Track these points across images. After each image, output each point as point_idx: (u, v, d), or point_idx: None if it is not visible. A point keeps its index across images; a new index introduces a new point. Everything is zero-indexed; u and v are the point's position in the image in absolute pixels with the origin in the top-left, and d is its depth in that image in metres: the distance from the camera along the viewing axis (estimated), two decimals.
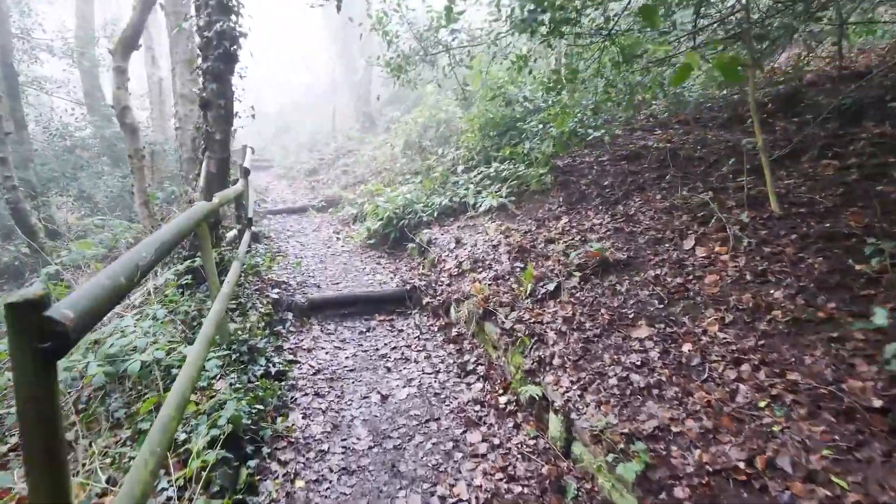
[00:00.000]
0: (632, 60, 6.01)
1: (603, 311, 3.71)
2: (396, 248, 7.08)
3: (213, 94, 4.62)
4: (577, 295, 4.05)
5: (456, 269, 5.51)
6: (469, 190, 7.02)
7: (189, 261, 4.57)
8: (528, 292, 4.31)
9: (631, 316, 3.53)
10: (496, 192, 6.75)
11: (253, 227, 7.56)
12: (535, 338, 3.69)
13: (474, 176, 7.58)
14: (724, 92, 7.30)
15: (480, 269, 5.24)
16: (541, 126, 7.22)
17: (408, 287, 5.41)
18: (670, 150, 6.01)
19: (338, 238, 8.20)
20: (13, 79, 10.35)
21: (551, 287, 4.19)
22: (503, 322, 4.07)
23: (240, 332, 3.94)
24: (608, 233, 4.83)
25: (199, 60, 4.58)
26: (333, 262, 6.86)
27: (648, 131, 7.24)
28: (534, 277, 4.44)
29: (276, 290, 5.10)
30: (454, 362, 4.11)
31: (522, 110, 7.91)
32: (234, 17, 4.63)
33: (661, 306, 3.56)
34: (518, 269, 4.88)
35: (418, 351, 4.39)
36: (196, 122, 4.80)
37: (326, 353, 4.36)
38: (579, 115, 6.90)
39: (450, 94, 11.91)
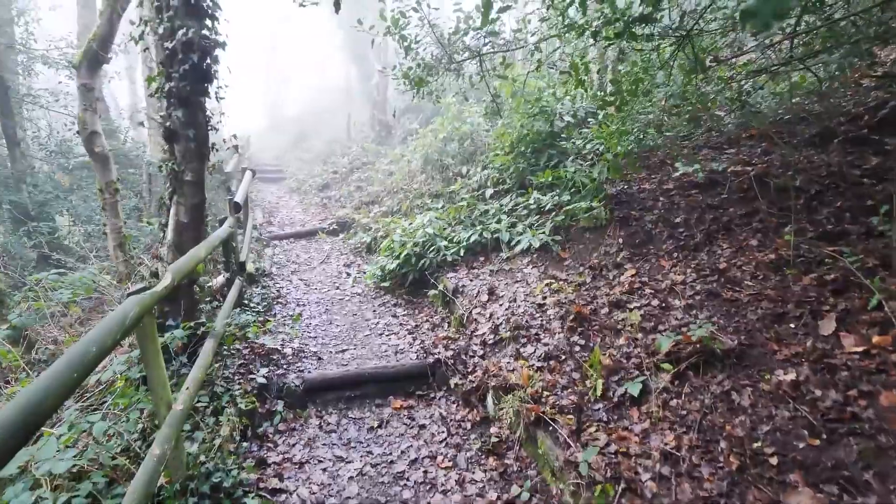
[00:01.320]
0: (706, 68, 4.84)
1: (722, 443, 2.52)
2: (415, 293, 5.96)
3: (179, 123, 3.55)
4: (674, 404, 2.87)
5: (491, 336, 4.35)
6: (502, 223, 5.86)
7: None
8: (598, 391, 3.14)
9: (775, 462, 2.33)
10: (536, 226, 5.59)
11: (252, 264, 6.53)
12: (623, 484, 2.52)
13: (506, 203, 6.42)
14: (806, 100, 6.01)
15: (524, 339, 4.09)
16: (587, 144, 6.03)
17: (430, 360, 4.28)
18: (755, 176, 4.77)
19: (348, 275, 7.11)
20: (4, 93, 9.55)
21: (634, 390, 3.01)
22: (566, 442, 2.90)
23: (203, 458, 2.84)
24: (699, 298, 3.63)
25: (161, 79, 3.51)
26: (341, 311, 5.76)
27: (715, 149, 5.99)
28: (604, 368, 3.27)
29: (265, 369, 4.01)
30: (498, 497, 2.95)
31: (563, 125, 6.73)
32: (207, 22, 3.56)
33: (818, 445, 2.36)
34: (577, 348, 3.71)
35: (447, 468, 3.24)
36: (161, 157, 3.74)
37: (324, 469, 3.24)
38: (636, 132, 5.70)
39: (472, 102, 10.78)
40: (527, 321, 4.27)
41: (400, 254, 5.97)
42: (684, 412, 2.78)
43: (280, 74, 37.02)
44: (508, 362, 3.96)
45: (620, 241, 4.91)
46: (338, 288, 6.57)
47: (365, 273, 6.82)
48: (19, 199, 9.34)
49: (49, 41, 11.19)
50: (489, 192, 6.95)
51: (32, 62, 11.85)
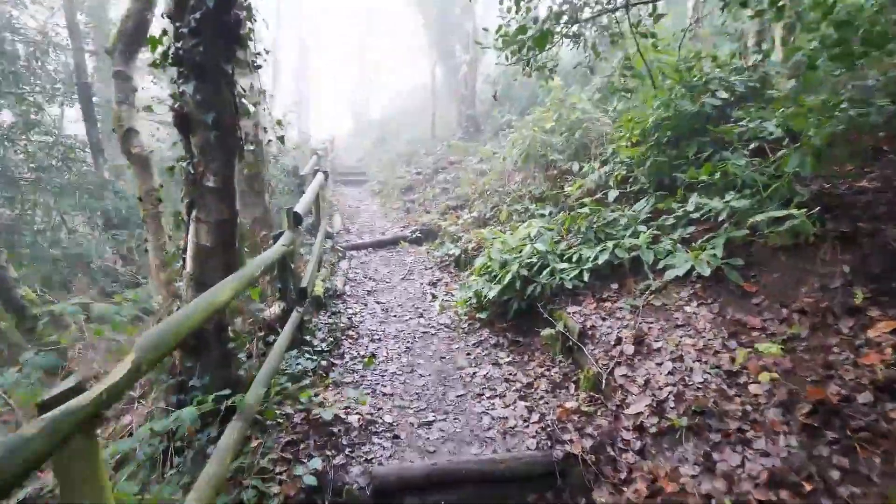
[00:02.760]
0: None
1: None
2: (522, 328, 4.53)
3: (194, 104, 2.40)
4: None
5: (654, 419, 2.82)
6: (641, 236, 4.26)
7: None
8: None
9: None
10: (694, 242, 3.94)
11: (321, 282, 5.45)
12: None
13: (641, 209, 4.80)
14: None
15: (716, 436, 2.52)
16: (759, 127, 4.27)
17: (558, 453, 2.82)
18: None
19: (433, 297, 5.83)
20: (88, 100, 9.45)
21: None
22: None
23: None
24: None
25: (169, 40, 2.38)
26: (425, 350, 4.47)
27: None
28: None
29: (319, 456, 2.78)
30: None
31: (719, 103, 4.97)
32: None
33: None
34: (836, 473, 2.09)
35: None
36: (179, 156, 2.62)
37: None
38: (845, 104, 3.85)
39: (573, 86, 9.11)
40: (714, 402, 2.69)
41: (501, 277, 4.56)
42: None
43: (365, 77, 37.18)
44: (695, 476, 2.41)
45: (846, 269, 3.17)
46: (421, 315, 5.30)
47: (455, 298, 5.50)
48: (102, 206, 9.15)
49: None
50: (613, 194, 5.33)
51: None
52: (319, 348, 4.20)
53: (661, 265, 3.98)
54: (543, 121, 7.49)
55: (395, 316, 5.33)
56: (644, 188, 5.17)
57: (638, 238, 4.31)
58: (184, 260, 2.73)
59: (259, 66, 2.82)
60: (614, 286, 4.22)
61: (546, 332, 4.11)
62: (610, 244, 4.36)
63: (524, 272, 4.52)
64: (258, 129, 5.66)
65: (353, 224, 10.14)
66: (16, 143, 9.58)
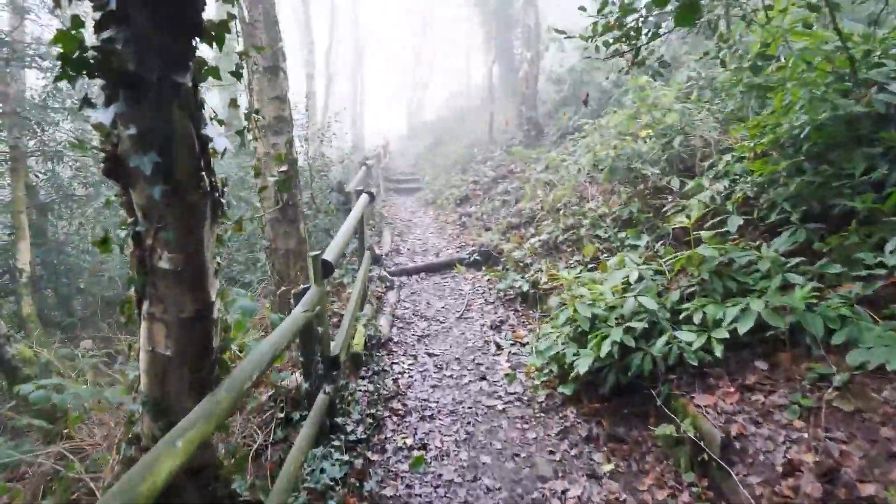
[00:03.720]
0: None
1: None
2: (624, 417, 3.36)
3: (130, 141, 1.45)
4: None
5: None
6: (797, 293, 2.99)
7: None
8: None
9: None
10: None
11: (363, 329, 4.52)
12: None
13: (781, 247, 3.52)
14: None
15: None
16: None
17: None
18: None
19: (498, 347, 4.74)
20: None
21: None
22: None
23: None
24: None
25: (80, 33, 1.44)
26: (490, 442, 3.37)
27: None
28: None
29: None
30: None
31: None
32: None
33: None
34: None
35: None
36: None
37: None
38: None
39: (659, 83, 7.65)
40: None
41: (595, 345, 3.39)
42: None
43: (420, 78, 36.57)
44: None
45: None
46: (484, 378, 4.22)
47: (525, 355, 4.39)
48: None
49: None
50: (734, 222, 4.01)
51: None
52: (354, 436, 3.21)
53: (836, 339, 2.71)
54: (626, 125, 6.20)
55: (450, 376, 4.29)
56: (784, 217, 3.84)
57: (790, 293, 3.05)
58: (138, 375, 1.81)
59: (239, 75, 1.86)
60: (762, 366, 2.98)
61: (663, 429, 2.93)
62: (751, 301, 3.11)
63: (621, 337, 3.34)
64: (290, 148, 4.80)
65: (404, 241, 9.21)
66: (64, 157, 9.38)
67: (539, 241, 6.50)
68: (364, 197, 5.42)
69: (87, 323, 8.89)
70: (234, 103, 2.38)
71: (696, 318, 3.30)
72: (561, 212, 6.82)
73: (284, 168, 4.75)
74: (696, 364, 3.09)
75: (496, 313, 5.66)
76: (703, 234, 3.88)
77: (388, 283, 6.63)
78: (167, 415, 1.75)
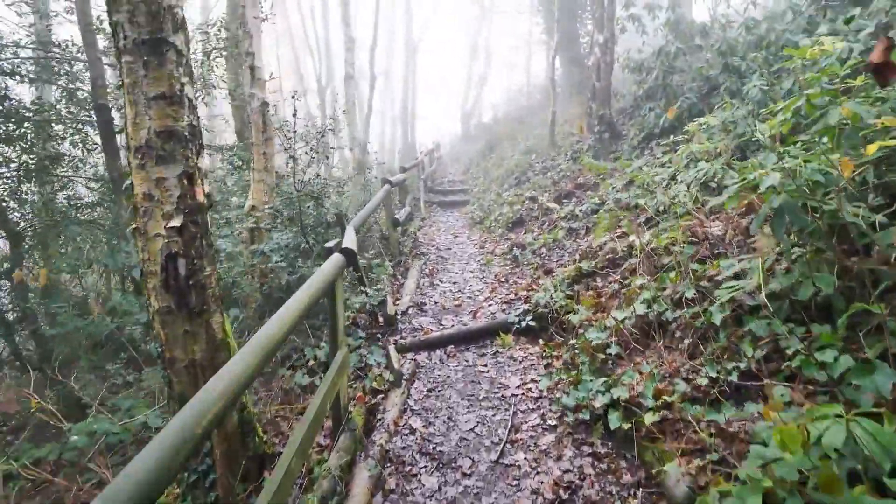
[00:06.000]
0: None
1: None
2: None
3: None
4: None
5: None
6: None
7: None
8: None
9: None
10: None
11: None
12: None
13: None
14: None
15: None
16: None
17: None
18: None
19: None
20: (108, 125, 7.44)
21: None
22: None
23: None
24: None
25: None
26: None
27: None
28: None
29: None
30: None
31: None
32: None
33: None
34: None
35: None
36: None
37: None
38: None
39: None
40: None
41: None
42: None
43: (477, 76, 34.23)
44: None
45: None
46: None
47: None
48: (120, 262, 7.05)
49: None
50: None
51: None
52: None
53: None
54: (779, 126, 3.58)
55: None
56: None
57: None
58: None
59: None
60: None
61: None
62: None
63: None
64: (192, 185, 2.68)
65: (433, 287, 6.93)
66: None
67: (632, 315, 4.02)
68: (338, 262, 3.22)
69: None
70: None
71: None
72: (665, 266, 4.31)
73: (176, 223, 2.62)
74: None
75: (560, 458, 3.27)
76: None
77: (392, 378, 4.37)
78: None
